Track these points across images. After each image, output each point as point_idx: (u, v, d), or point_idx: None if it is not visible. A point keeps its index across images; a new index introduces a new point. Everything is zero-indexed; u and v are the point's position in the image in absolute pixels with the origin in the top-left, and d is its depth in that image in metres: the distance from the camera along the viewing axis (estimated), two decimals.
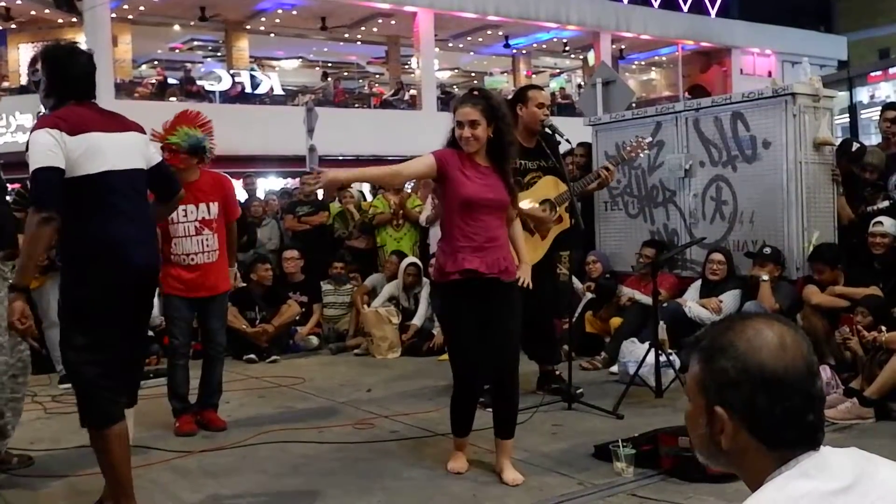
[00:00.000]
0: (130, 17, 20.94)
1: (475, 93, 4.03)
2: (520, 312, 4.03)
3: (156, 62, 24.33)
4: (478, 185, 3.86)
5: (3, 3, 19.12)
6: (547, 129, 5.37)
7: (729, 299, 6.19)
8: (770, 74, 25.35)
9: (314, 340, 8.10)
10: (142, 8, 20.55)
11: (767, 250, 6.09)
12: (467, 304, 3.88)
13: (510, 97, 5.69)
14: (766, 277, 5.98)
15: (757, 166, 6.38)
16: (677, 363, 5.55)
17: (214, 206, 4.97)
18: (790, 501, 1.24)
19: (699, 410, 1.38)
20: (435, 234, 8.39)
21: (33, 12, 19.95)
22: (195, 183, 4.94)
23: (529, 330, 5.59)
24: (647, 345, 5.52)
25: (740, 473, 1.38)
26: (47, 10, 19.78)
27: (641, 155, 6.07)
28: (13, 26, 20.68)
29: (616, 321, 6.76)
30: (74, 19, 19.59)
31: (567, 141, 5.55)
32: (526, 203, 5.25)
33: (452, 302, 3.95)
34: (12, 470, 4.16)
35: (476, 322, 3.89)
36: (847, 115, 18.47)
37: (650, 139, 5.92)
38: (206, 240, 4.94)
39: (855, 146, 6.63)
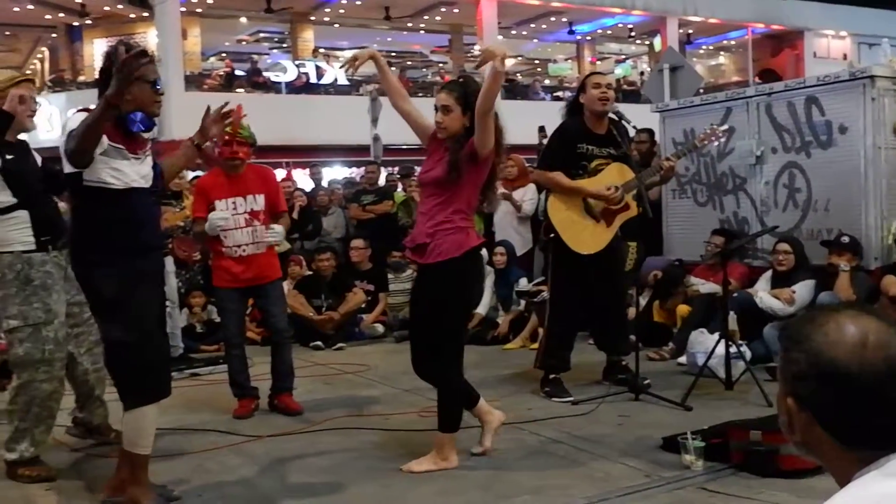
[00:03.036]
0: (199, 10, 21.31)
1: (459, 80, 4.04)
2: (435, 298, 3.88)
3: (223, 54, 24.74)
4: (424, 166, 4.00)
5: (78, 0, 19.62)
6: (613, 115, 5.28)
7: (802, 290, 6.02)
8: (845, 57, 24.61)
9: (379, 328, 8.15)
10: (210, 1, 20.90)
11: (845, 239, 5.91)
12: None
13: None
14: (845, 267, 5.80)
15: (832, 152, 6.20)
16: (748, 355, 5.44)
17: (261, 198, 5.10)
18: (873, 501, 1.20)
19: (780, 398, 1.36)
20: (499, 221, 8.39)
21: (107, 8, 20.46)
22: (242, 176, 5.10)
23: (599, 319, 5.56)
24: (716, 335, 5.40)
25: (826, 467, 1.34)
26: (120, 6, 20.26)
27: (715, 143, 5.92)
28: (88, 22, 21.24)
29: (683, 309, 6.64)
30: (146, 14, 20.03)
31: (634, 127, 5.45)
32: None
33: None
34: (108, 444, 4.29)
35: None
36: None
37: (725, 127, 5.76)
38: (257, 231, 5.06)
39: None
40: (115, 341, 3.37)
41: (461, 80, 4.06)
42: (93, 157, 3.25)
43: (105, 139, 3.28)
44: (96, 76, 3.59)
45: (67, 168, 3.34)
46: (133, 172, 3.40)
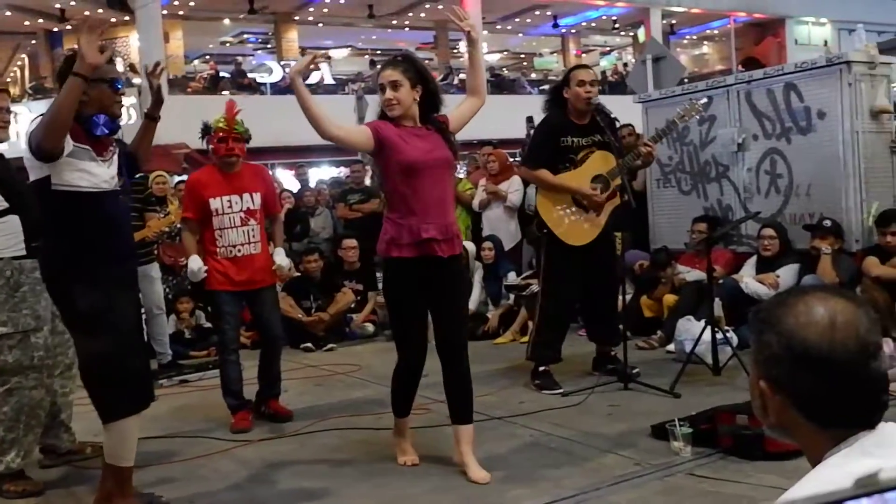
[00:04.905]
0: (181, 12, 21.26)
1: (398, 58, 3.88)
2: (465, 288, 3.98)
3: (207, 56, 24.67)
4: (418, 148, 3.69)
5: (57, 5, 19.54)
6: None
7: (787, 274, 6.08)
8: (826, 44, 24.68)
9: (370, 328, 8.16)
10: (192, 3, 20.83)
11: (827, 223, 5.97)
12: (419, 279, 3.72)
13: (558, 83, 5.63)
14: (827, 250, 5.85)
15: (812, 138, 6.25)
16: (735, 340, 5.49)
17: (258, 197, 4.95)
18: (848, 479, 1.22)
19: (753, 382, 1.38)
20: (487, 216, 8.41)
21: (87, 13, 20.35)
22: (238, 174, 4.96)
23: (591, 310, 5.59)
24: (703, 322, 5.45)
25: (800, 447, 1.37)
26: (100, 10, 20.15)
27: (696, 117, 5.83)
28: (68, 28, 21.13)
29: (669, 299, 6.69)
30: (127, 18, 19.94)
31: (615, 119, 5.47)
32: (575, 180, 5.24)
33: (402, 276, 3.74)
34: (87, 458, 4.28)
35: (425, 298, 3.76)
36: None
37: (705, 100, 5.68)
38: (251, 230, 4.93)
39: None
40: (94, 353, 3.30)
41: (400, 57, 3.91)
42: (62, 149, 3.18)
43: (70, 140, 3.23)
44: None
45: (33, 175, 3.31)
46: (102, 174, 3.37)
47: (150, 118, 3.87)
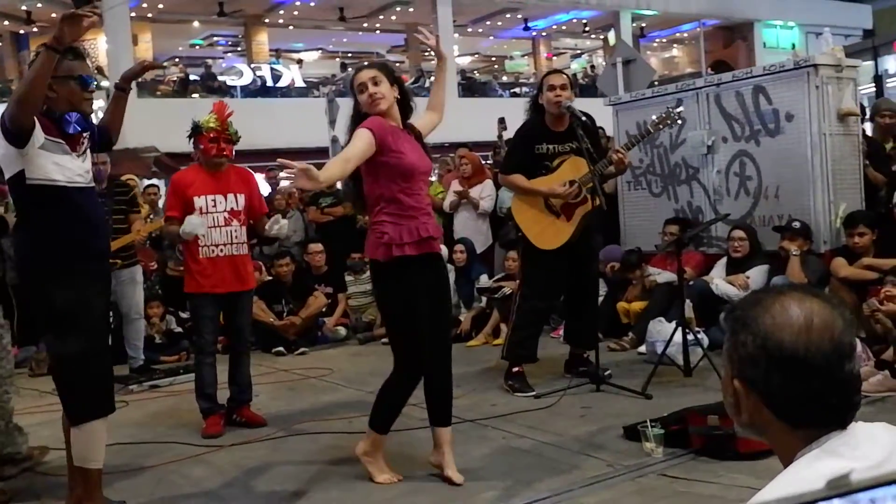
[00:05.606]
0: (150, 15, 21.08)
1: (367, 63, 3.93)
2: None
3: (177, 59, 24.50)
4: (413, 154, 3.70)
5: (23, 8, 19.30)
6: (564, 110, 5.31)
7: (756, 275, 6.13)
8: (794, 47, 24.99)
9: (342, 331, 8.13)
10: (161, 6, 20.67)
11: (797, 224, 6.02)
12: (423, 281, 3.69)
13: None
14: (796, 252, 5.91)
15: (780, 140, 6.31)
16: (705, 341, 5.52)
17: (241, 198, 4.94)
18: (819, 479, 1.23)
19: (727, 381, 1.38)
20: (458, 219, 8.42)
21: (54, 15, 20.08)
22: (224, 174, 4.95)
23: (573, 313, 5.61)
24: (674, 323, 5.49)
25: (771, 446, 1.37)
26: None
27: (672, 126, 5.82)
28: (35, 30, 20.89)
29: (637, 306, 6.73)
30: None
31: (586, 122, 5.47)
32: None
33: (407, 276, 3.64)
34: (42, 463, 4.22)
35: (428, 301, 3.71)
36: (873, 84, 18.21)
37: (682, 108, 5.58)
38: (234, 231, 4.90)
39: None
40: (68, 354, 3.25)
41: (368, 62, 3.97)
42: (33, 124, 3.11)
43: (42, 133, 3.17)
44: None
45: (8, 171, 3.25)
46: (76, 167, 3.32)
47: (120, 89, 3.81)
